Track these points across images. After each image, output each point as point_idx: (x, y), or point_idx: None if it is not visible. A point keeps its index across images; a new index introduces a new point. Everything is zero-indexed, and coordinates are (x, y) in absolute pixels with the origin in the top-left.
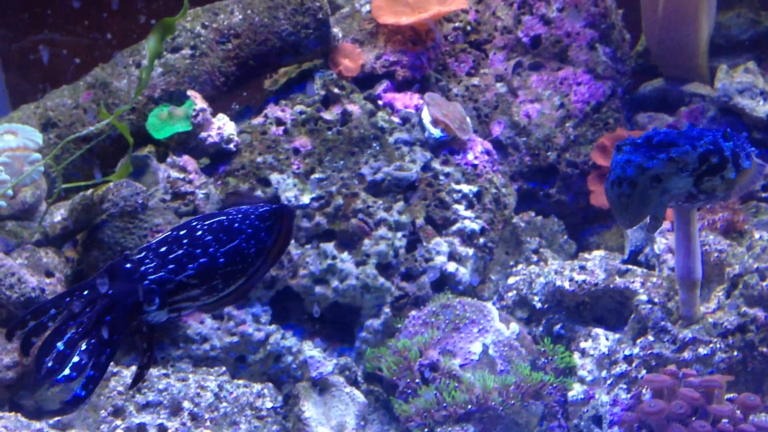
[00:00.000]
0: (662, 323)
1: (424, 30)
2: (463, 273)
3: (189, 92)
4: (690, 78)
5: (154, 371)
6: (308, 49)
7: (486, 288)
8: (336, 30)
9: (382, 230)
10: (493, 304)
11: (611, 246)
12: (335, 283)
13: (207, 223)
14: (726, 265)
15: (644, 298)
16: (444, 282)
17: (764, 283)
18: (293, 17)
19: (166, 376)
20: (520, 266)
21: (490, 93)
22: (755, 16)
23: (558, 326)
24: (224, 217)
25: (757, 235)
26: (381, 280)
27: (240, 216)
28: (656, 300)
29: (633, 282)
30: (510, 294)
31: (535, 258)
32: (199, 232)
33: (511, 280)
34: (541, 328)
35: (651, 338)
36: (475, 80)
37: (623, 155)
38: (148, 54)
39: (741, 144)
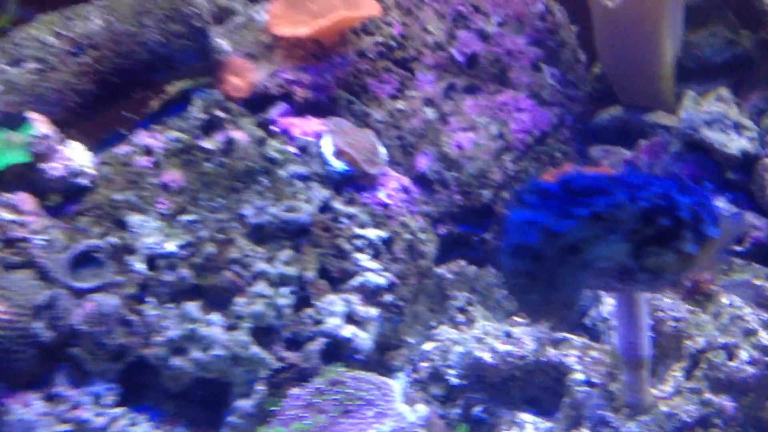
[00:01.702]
0: (600, 412)
1: (330, 43)
2: (363, 339)
3: (30, 114)
4: (653, 106)
5: None
6: (184, 63)
7: (398, 356)
8: (222, 42)
9: (260, 286)
10: (407, 376)
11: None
12: (196, 353)
13: None
14: (685, 336)
15: (580, 377)
16: (339, 350)
17: (733, 364)
18: (164, 25)
19: None
20: (442, 328)
21: (417, 119)
22: (732, 35)
23: (478, 408)
24: None
25: (725, 301)
26: (254, 348)
27: None
28: (595, 380)
29: (568, 355)
30: (425, 364)
31: (461, 318)
32: None
33: (428, 347)
34: (458, 411)
35: (586, 431)
36: (400, 104)
37: (524, 211)
38: None
39: (704, 201)
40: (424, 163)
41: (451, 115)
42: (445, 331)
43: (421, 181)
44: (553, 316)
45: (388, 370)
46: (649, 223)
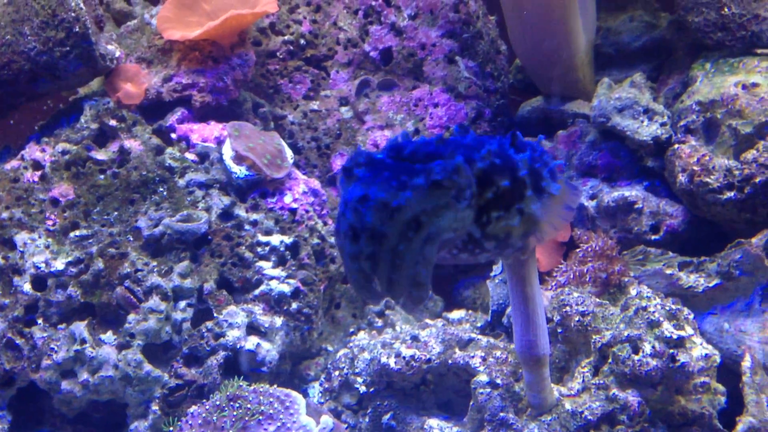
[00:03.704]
0: (501, 414)
1: (229, 44)
2: (268, 350)
3: None
4: (573, 95)
5: None
6: (68, 72)
7: (314, 365)
8: (113, 47)
9: (153, 301)
10: (321, 385)
11: (488, 302)
12: (84, 375)
13: None
14: (593, 331)
15: (484, 378)
16: (242, 363)
17: (637, 357)
18: (43, 32)
19: None
20: (361, 333)
21: (332, 119)
22: (651, 18)
23: (387, 416)
24: None
25: (633, 291)
26: (147, 367)
27: None
28: (499, 381)
29: (473, 357)
30: (337, 373)
31: (379, 322)
32: None
33: (341, 354)
34: (367, 419)
35: None
36: (315, 104)
37: (356, 185)
38: None
39: (541, 156)
40: (339, 164)
41: (366, 114)
42: (359, 338)
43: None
44: (403, 298)
45: (303, 381)
46: (488, 185)
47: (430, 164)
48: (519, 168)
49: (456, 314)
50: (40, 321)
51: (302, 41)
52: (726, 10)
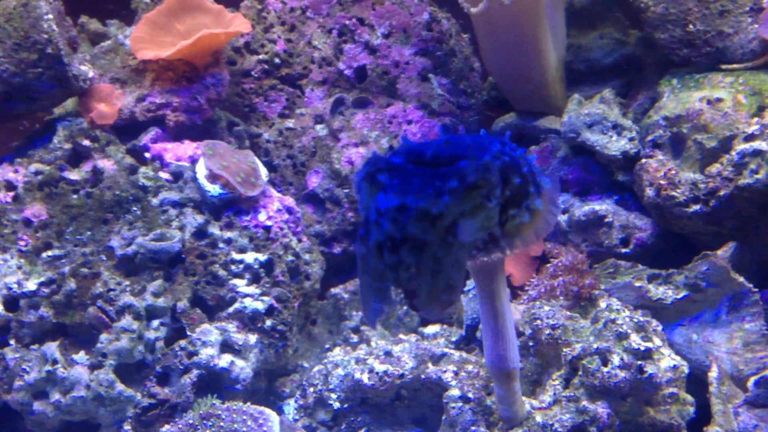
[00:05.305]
0: (473, 428)
1: (202, 63)
2: (242, 368)
3: None
4: (545, 111)
5: None
6: (42, 93)
7: (289, 382)
8: (86, 68)
9: (126, 320)
10: (296, 401)
11: (463, 316)
12: (56, 396)
13: None
14: (564, 344)
15: (456, 393)
16: (216, 381)
17: (606, 369)
18: (16, 54)
19: None
20: (337, 350)
21: (307, 137)
22: (621, 35)
23: None
24: None
25: (603, 304)
26: (119, 387)
27: None
28: (470, 395)
29: (446, 371)
30: (312, 390)
31: (355, 338)
32: None
33: (315, 370)
34: None
35: None
36: (290, 122)
37: (388, 194)
38: None
39: (523, 152)
40: (315, 181)
41: (341, 131)
42: (334, 354)
43: (313, 199)
44: (438, 304)
45: (279, 398)
46: (506, 183)
47: (458, 166)
48: (521, 164)
49: (431, 329)
50: (12, 342)
51: (277, 60)
52: (691, 27)
